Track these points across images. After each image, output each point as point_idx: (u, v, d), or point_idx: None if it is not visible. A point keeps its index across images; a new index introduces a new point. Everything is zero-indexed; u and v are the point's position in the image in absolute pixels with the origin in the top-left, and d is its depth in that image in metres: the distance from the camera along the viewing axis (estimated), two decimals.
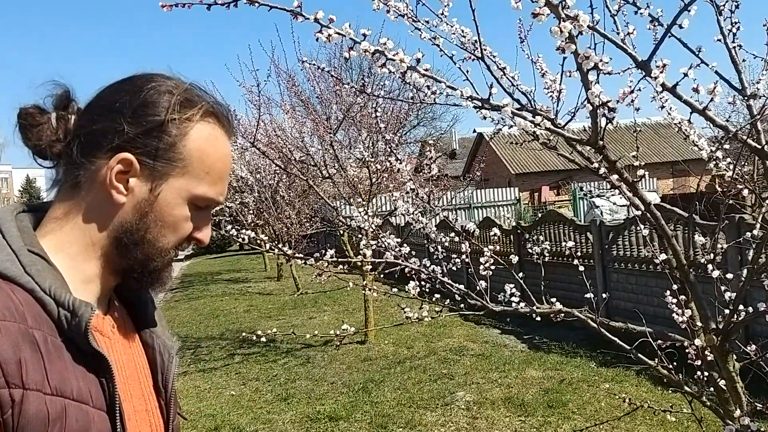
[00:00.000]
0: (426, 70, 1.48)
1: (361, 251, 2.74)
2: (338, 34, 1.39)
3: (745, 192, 2.25)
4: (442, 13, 1.89)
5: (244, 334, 4.35)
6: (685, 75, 1.51)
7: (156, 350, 1.08)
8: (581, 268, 2.68)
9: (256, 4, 1.36)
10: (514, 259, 2.90)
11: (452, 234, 2.79)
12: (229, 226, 2.68)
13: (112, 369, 0.89)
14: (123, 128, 0.94)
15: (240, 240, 2.46)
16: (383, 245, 2.66)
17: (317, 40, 1.43)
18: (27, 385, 0.80)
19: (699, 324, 2.05)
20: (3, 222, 0.94)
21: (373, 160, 8.14)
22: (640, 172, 1.82)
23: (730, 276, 2.20)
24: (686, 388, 2.22)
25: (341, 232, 9.68)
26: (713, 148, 2.06)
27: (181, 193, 0.97)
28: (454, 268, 2.67)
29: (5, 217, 0.95)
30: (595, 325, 2.23)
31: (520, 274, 2.57)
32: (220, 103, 1.04)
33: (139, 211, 0.96)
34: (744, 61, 2.07)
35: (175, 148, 0.96)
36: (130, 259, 0.97)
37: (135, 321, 1.10)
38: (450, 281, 2.43)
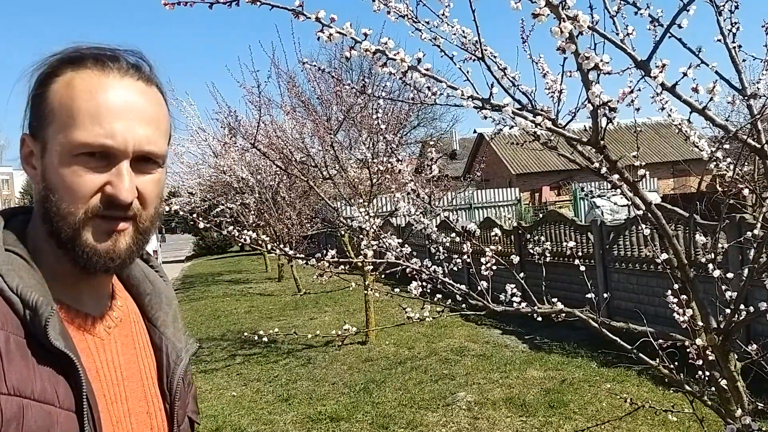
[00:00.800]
0: (427, 69, 1.48)
1: (362, 251, 2.74)
2: (339, 33, 1.39)
3: (746, 192, 2.26)
4: (443, 14, 1.90)
5: (246, 334, 4.35)
6: (685, 75, 1.51)
7: (163, 352, 1.07)
8: (582, 268, 2.68)
9: (258, 3, 1.36)
10: (515, 259, 2.90)
11: (453, 234, 2.80)
12: (231, 227, 2.69)
13: (77, 369, 0.88)
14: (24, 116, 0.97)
15: (242, 241, 2.47)
16: (384, 246, 2.66)
17: (318, 39, 1.43)
18: None
19: (700, 323, 2.05)
20: None
21: (374, 161, 8.14)
22: (641, 172, 1.82)
23: (730, 275, 2.20)
24: (687, 387, 2.23)
25: (342, 233, 9.68)
26: (713, 149, 2.06)
27: (58, 149, 0.91)
28: (455, 269, 2.67)
29: None
30: (596, 325, 2.23)
31: (521, 275, 2.57)
32: (100, 46, 0.96)
33: (40, 184, 0.93)
34: (744, 61, 2.08)
35: (43, 109, 0.92)
36: (51, 236, 0.92)
37: (148, 322, 1.09)
38: (451, 281, 2.43)
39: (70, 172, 0.90)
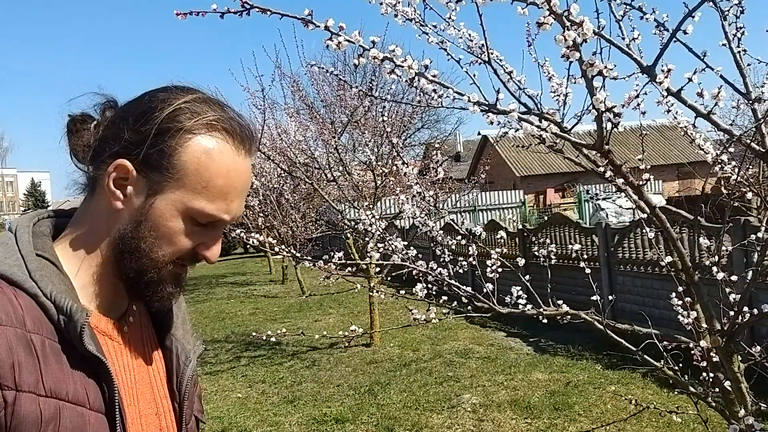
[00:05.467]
0: (434, 76, 1.50)
1: (368, 254, 2.76)
2: (348, 41, 1.41)
3: (750, 195, 2.27)
4: (450, 18, 1.91)
5: (254, 335, 4.36)
6: (690, 80, 1.53)
7: (173, 353, 1.10)
8: (588, 271, 2.70)
9: (268, 13, 1.39)
10: (521, 261, 2.92)
11: (459, 237, 2.81)
12: (238, 230, 2.71)
13: (110, 372, 0.91)
14: (124, 135, 0.95)
15: (251, 243, 2.49)
16: (390, 248, 2.68)
17: (327, 47, 1.46)
18: (20, 387, 0.82)
19: (704, 325, 2.07)
20: (19, 228, 0.97)
21: (379, 163, 8.16)
22: (646, 175, 1.84)
23: (734, 278, 2.22)
24: (692, 389, 2.24)
25: (346, 235, 9.70)
26: (718, 152, 2.08)
27: (176, 205, 0.95)
28: (460, 271, 2.69)
29: (23, 222, 0.98)
30: (602, 327, 2.25)
31: (527, 277, 2.58)
32: (235, 118, 1.00)
33: (134, 220, 0.95)
34: (749, 65, 2.09)
35: (171, 159, 0.94)
36: (126, 268, 0.96)
37: (158, 324, 1.12)
38: (457, 284, 2.45)
39: (179, 227, 0.97)
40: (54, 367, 0.87)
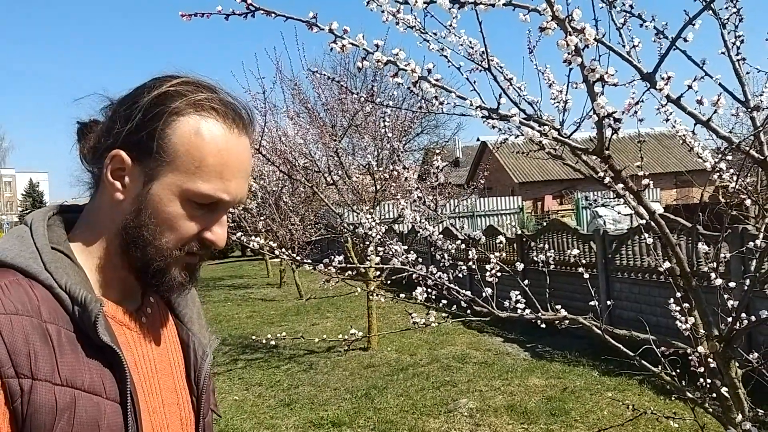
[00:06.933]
0: (437, 80, 1.52)
1: (368, 257, 2.78)
2: (352, 44, 1.43)
3: (748, 202, 2.29)
4: (450, 25, 1.93)
5: (253, 337, 4.37)
6: (690, 87, 1.54)
7: (190, 347, 1.11)
8: (586, 276, 2.71)
9: (273, 15, 1.40)
10: (520, 266, 2.93)
11: (458, 241, 2.82)
12: (239, 233, 2.72)
13: (122, 362, 0.92)
14: (116, 126, 0.96)
15: (250, 246, 2.50)
16: (390, 252, 2.69)
17: (331, 50, 1.47)
18: (36, 375, 0.84)
19: (702, 331, 2.08)
20: (34, 221, 0.99)
21: (379, 169, 8.18)
22: (645, 181, 1.85)
23: (732, 285, 2.23)
24: (689, 394, 2.25)
25: (345, 239, 9.71)
26: (717, 160, 2.09)
27: (173, 188, 0.95)
28: (460, 275, 2.69)
29: (37, 216, 1.01)
30: (600, 332, 2.26)
31: (525, 282, 2.60)
32: (225, 98, 1.00)
33: (134, 209, 0.96)
34: (747, 73, 2.11)
35: (161, 142, 0.94)
36: (132, 258, 0.97)
37: (175, 318, 1.13)
38: (457, 288, 2.46)
39: (179, 212, 0.96)
40: (70, 356, 0.88)
